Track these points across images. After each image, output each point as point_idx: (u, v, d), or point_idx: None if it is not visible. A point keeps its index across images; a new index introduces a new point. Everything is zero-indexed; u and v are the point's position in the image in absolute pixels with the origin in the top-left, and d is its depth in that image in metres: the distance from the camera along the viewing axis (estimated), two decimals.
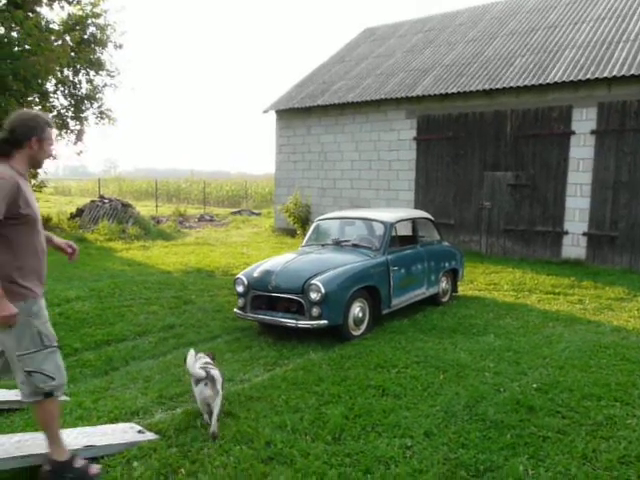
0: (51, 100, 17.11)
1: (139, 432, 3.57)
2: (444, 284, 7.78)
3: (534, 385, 4.62)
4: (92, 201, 17.51)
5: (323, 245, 7.00)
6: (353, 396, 4.35)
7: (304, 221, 15.46)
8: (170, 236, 15.54)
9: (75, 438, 3.25)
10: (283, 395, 4.35)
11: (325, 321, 5.64)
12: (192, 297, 7.87)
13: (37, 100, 16.66)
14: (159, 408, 4.14)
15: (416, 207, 13.47)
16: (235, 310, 6.34)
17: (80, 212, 16.90)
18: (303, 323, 5.67)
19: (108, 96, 18.71)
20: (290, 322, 5.73)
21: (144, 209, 24.86)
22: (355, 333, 6.02)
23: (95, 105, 17.80)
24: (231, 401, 4.25)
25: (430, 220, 7.94)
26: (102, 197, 17.83)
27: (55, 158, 16.82)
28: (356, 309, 5.99)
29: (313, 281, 5.69)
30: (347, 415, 3.95)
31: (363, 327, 6.13)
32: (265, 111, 16.80)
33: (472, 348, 5.64)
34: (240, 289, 6.26)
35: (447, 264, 7.83)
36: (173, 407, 4.17)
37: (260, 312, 6.07)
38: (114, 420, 3.83)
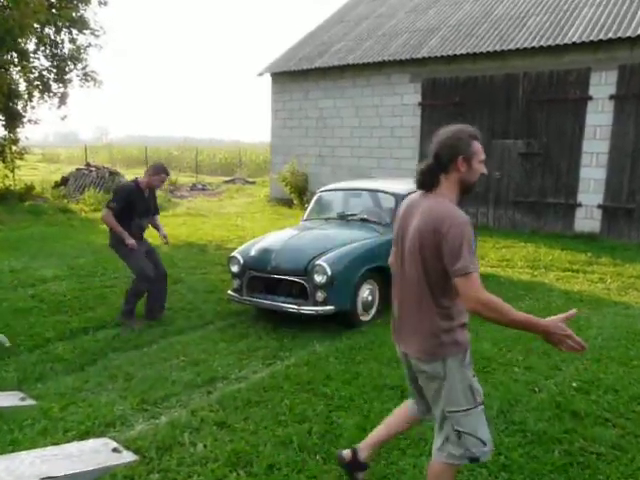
0: (31, 61, 16.08)
1: (114, 450, 2.95)
2: None
3: (573, 384, 4.04)
4: (78, 169, 16.67)
5: (327, 220, 6.32)
6: (368, 400, 3.74)
7: (301, 191, 14.73)
8: (160, 206, 14.73)
9: (31, 465, 2.62)
10: (286, 399, 3.73)
11: (331, 307, 5.00)
12: (182, 275, 7.22)
13: (15, 61, 15.65)
14: (140, 417, 3.51)
15: None
16: (229, 292, 5.69)
17: (65, 181, 16.07)
18: (306, 309, 5.03)
19: (94, 57, 17.73)
20: (292, 307, 5.09)
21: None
22: (364, 319, 5.40)
23: (79, 66, 16.76)
24: (226, 407, 3.63)
25: None
26: (88, 165, 16.98)
27: (37, 123, 15.89)
28: (365, 292, 5.36)
29: (318, 261, 5.04)
30: (363, 426, 3.34)
31: (372, 312, 5.50)
32: (260, 74, 15.85)
33: (495, 337, 5.04)
34: (235, 269, 5.60)
35: None
36: (157, 415, 3.55)
37: (258, 295, 5.43)
38: (85, 434, 3.20)
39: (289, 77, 15.19)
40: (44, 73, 16.37)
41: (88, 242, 9.35)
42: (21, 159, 16.75)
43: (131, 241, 5.25)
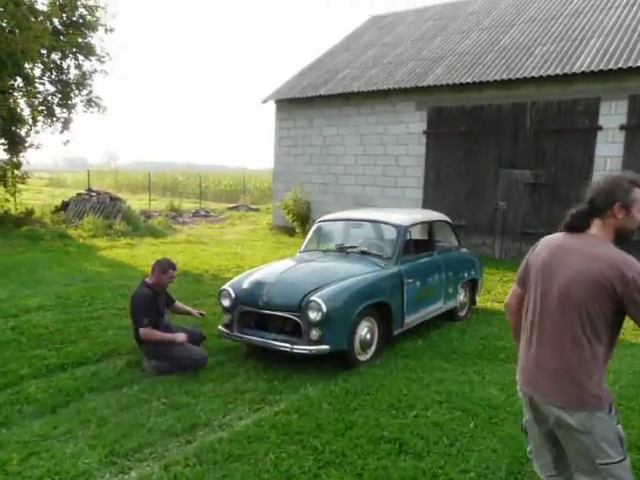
0: (36, 86, 16.10)
1: None
2: (462, 297, 6.80)
3: None
4: (79, 194, 16.49)
5: (325, 252, 6.01)
6: (362, 455, 3.37)
7: (304, 219, 14.47)
8: (160, 233, 14.53)
9: None
10: (272, 453, 3.36)
11: (326, 346, 4.65)
12: None
13: (19, 85, 15.67)
14: (107, 471, 3.15)
15: (424, 206, 12.48)
16: (220, 327, 5.34)
17: (65, 206, 15.88)
18: (299, 348, 4.68)
19: (99, 83, 17.81)
20: (284, 346, 4.73)
21: (138, 203, 23.88)
22: (362, 359, 5.03)
23: (84, 92, 16.78)
24: (204, 461, 3.27)
25: (448, 223, 6.95)
26: (90, 190, 16.81)
27: (39, 147, 15.81)
28: (363, 330, 5.01)
29: (313, 297, 4.70)
30: None
31: (371, 351, 5.14)
32: (264, 101, 15.77)
33: (502, 381, 4.66)
34: (226, 303, 5.27)
35: (466, 274, 6.84)
36: (126, 469, 3.19)
37: (249, 331, 5.08)
38: None
39: (293, 104, 15.10)
40: (49, 98, 16.39)
41: (81, 269, 9.05)
42: (23, 183, 16.62)
43: (180, 338, 4.86)
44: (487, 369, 4.99)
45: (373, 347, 5.15)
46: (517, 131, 11.09)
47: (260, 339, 4.93)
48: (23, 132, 15.98)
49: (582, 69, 9.97)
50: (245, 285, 5.24)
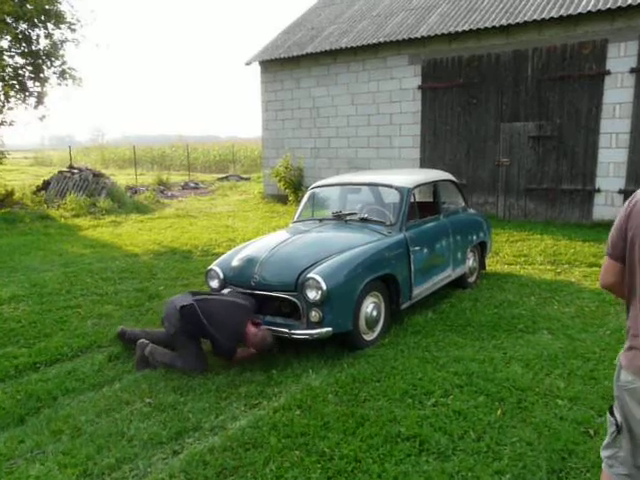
0: (4, 59, 15.16)
1: None
2: (471, 261, 6.28)
3: None
4: (60, 172, 15.75)
5: (321, 221, 5.44)
6: (378, 459, 2.88)
7: (296, 186, 13.85)
8: (147, 208, 13.90)
9: None
10: (272, 462, 2.88)
11: (328, 328, 4.13)
12: (160, 289, 6.35)
13: None
14: None
15: (423, 166, 11.88)
16: None
17: (46, 185, 15.16)
18: (299, 333, 4.16)
19: (80, 57, 17.00)
20: (281, 331, 4.22)
21: (126, 178, 23.11)
22: (368, 338, 4.53)
23: (56, 63, 15.83)
24: (192, 477, 2.78)
25: (453, 182, 6.37)
26: (71, 167, 16.03)
27: (11, 125, 14.99)
28: (369, 307, 4.49)
29: (310, 274, 4.16)
30: None
31: (378, 329, 4.64)
32: (248, 63, 14.92)
33: (526, 355, 4.18)
34: (214, 284, 4.74)
35: (475, 237, 6.31)
36: None
37: None
38: None
39: (279, 65, 14.27)
40: (19, 72, 15.46)
41: (61, 253, 8.47)
42: (0, 163, 15.88)
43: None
44: (507, 342, 4.51)
45: (380, 324, 4.65)
46: (518, 81, 10.41)
47: None
48: None
49: (588, 8, 9.23)
50: (234, 263, 4.70)
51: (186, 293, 4.56)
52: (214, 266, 4.80)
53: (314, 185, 6.04)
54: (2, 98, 15.35)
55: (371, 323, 4.52)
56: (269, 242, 4.87)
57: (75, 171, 15.40)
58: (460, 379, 3.77)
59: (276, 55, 14.06)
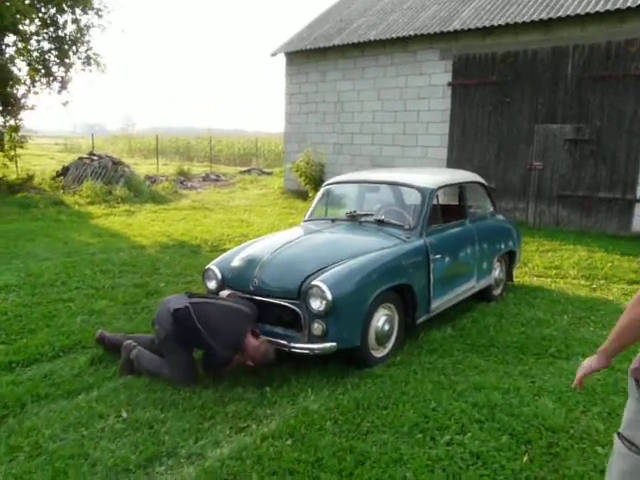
0: (31, 43, 15.06)
1: None
2: (498, 272, 5.74)
3: None
4: (79, 158, 15.58)
5: (333, 221, 4.96)
6: None
7: (317, 182, 13.36)
8: (164, 199, 13.61)
9: None
10: None
11: (332, 343, 3.66)
12: (160, 286, 5.96)
13: (15, 43, 14.64)
14: None
15: (449, 167, 11.29)
16: None
17: (65, 170, 15.00)
18: (298, 347, 3.70)
19: (103, 42, 16.65)
20: (279, 343, 3.76)
21: (149, 168, 23.00)
22: (378, 355, 4.05)
23: (82, 49, 15.66)
24: None
25: (481, 184, 5.83)
26: (92, 154, 15.87)
27: (32, 109, 14.87)
28: (380, 320, 4.01)
29: (315, 281, 3.69)
30: None
31: (389, 345, 4.15)
32: (273, 54, 14.50)
33: (558, 386, 3.64)
34: (211, 285, 4.32)
35: (503, 245, 5.76)
36: None
37: None
38: None
39: (305, 57, 13.81)
40: (45, 57, 15.33)
41: (67, 241, 8.17)
42: (22, 147, 15.77)
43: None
44: (536, 369, 3.97)
45: (392, 340, 4.16)
46: (557, 80, 9.75)
47: None
48: (20, 93, 15.10)
49: (638, 2, 8.54)
50: (234, 263, 4.26)
51: (182, 294, 4.14)
52: (212, 265, 4.37)
53: (329, 181, 5.56)
54: (28, 82, 15.29)
55: (382, 338, 4.03)
56: (274, 241, 4.41)
57: (95, 158, 15.22)
58: (480, 412, 3.26)
59: (302, 46, 13.60)
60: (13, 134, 15.34)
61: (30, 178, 14.72)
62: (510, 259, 6.03)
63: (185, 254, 7.56)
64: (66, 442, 2.98)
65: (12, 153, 15.37)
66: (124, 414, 3.29)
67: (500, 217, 6.14)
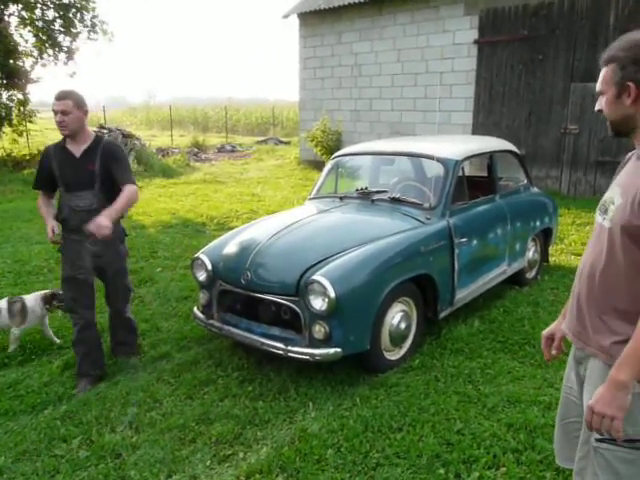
0: (36, 13, 14.45)
1: None
2: (532, 253, 5.05)
3: None
4: None
5: (342, 199, 4.31)
6: None
7: (334, 152, 12.55)
8: (174, 172, 13.07)
9: None
10: None
11: (337, 349, 3.08)
12: (156, 271, 5.45)
13: (17, 12, 14.06)
14: None
15: (475, 132, 10.47)
16: (194, 311, 3.85)
17: None
18: (297, 351, 3.13)
19: (112, 13, 15.97)
20: (275, 348, 3.20)
21: (166, 140, 22.50)
22: (392, 357, 3.47)
23: (87, 16, 15.00)
24: None
25: (514, 154, 5.10)
26: (101, 127, 15.36)
27: (37, 81, 14.35)
28: (395, 318, 3.41)
29: (315, 275, 3.10)
30: None
31: (406, 345, 3.56)
32: (285, 16, 13.64)
33: None
34: (201, 277, 3.75)
35: (538, 222, 5.06)
36: None
37: (232, 319, 3.57)
38: None
39: (319, 18, 12.92)
40: (51, 27, 14.73)
41: None
42: (31, 122, 15.35)
43: (47, 229, 3.36)
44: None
45: (410, 339, 3.57)
46: (597, 32, 8.78)
47: (245, 333, 3.39)
48: (28, 65, 14.60)
49: None
50: (226, 251, 3.68)
51: None
52: (202, 254, 3.80)
53: (339, 153, 4.91)
54: (35, 54, 14.77)
55: (397, 338, 3.44)
56: (272, 225, 3.80)
57: (104, 131, 14.70)
58: (516, 436, 2.66)
59: (316, 6, 12.70)
60: (22, 108, 14.92)
61: (39, 153, 14.32)
62: (546, 237, 5.33)
63: (188, 234, 7.03)
64: (15, 474, 2.50)
65: (21, 128, 14.99)
66: (92, 437, 2.79)
67: (535, 190, 5.40)
